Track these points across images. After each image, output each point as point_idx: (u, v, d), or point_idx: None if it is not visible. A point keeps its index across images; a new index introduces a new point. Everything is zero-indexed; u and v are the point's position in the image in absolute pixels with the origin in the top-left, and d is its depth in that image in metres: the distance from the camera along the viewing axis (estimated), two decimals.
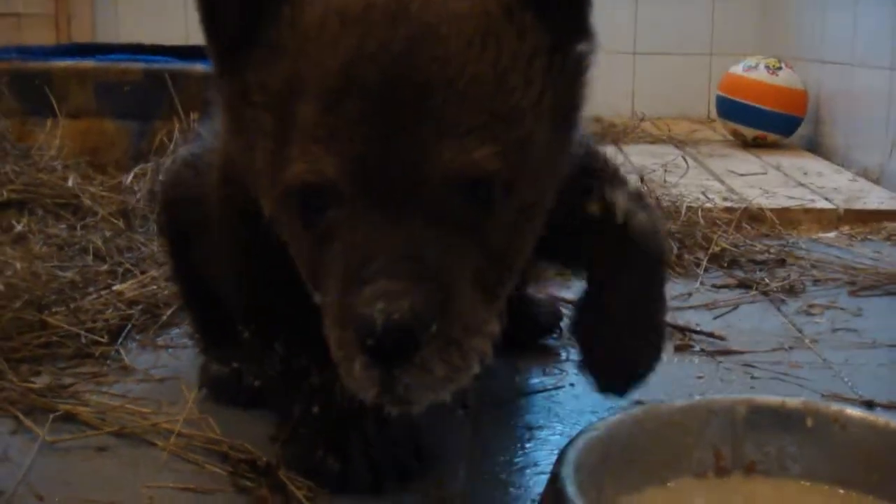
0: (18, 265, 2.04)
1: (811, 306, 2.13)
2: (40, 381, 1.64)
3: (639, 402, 1.47)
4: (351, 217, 1.01)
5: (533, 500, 1.28)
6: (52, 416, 1.50)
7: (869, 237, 2.77)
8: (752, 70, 4.28)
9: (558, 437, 1.47)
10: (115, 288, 2.05)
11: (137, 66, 3.18)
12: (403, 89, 0.99)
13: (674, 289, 2.25)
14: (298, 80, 1.03)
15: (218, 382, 1.60)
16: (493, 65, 1.03)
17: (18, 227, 2.40)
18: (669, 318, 2.00)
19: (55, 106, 3.10)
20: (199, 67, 3.13)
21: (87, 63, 3.22)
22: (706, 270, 2.38)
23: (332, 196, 1.02)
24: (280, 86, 1.05)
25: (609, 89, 5.33)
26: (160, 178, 1.73)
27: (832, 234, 2.80)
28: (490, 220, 1.04)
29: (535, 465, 1.39)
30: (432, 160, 0.98)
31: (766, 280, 2.29)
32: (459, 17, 1.03)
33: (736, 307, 2.13)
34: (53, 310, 1.90)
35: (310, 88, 1.02)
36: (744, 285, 2.28)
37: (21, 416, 1.51)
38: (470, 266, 1.02)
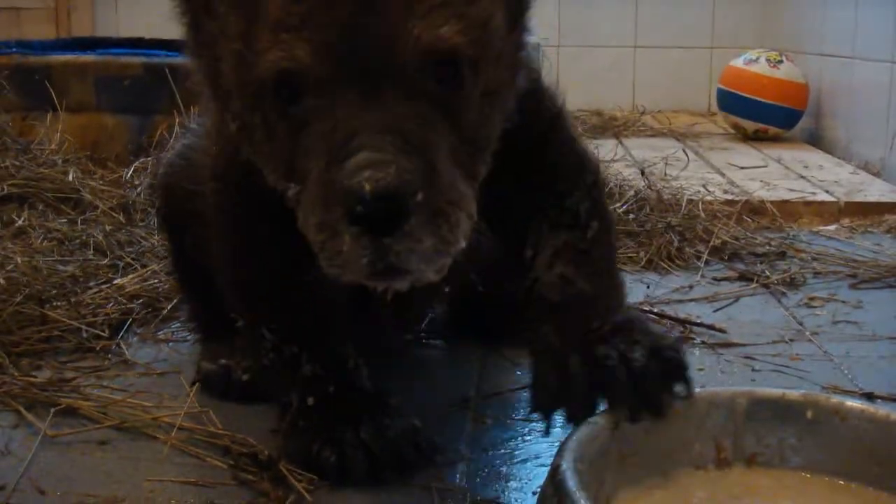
0: (19, 259, 2.04)
1: (812, 299, 2.13)
2: (41, 376, 1.64)
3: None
4: (328, 99, 1.01)
5: (534, 493, 1.28)
6: (53, 410, 1.51)
7: (869, 230, 2.77)
8: (752, 63, 4.28)
9: (558, 429, 1.47)
10: (115, 282, 2.05)
11: (137, 60, 3.18)
12: None
13: (674, 281, 2.25)
14: None
15: (208, 378, 1.61)
16: None
17: (19, 222, 2.41)
18: (670, 310, 2.02)
19: (55, 100, 3.10)
20: None
21: (88, 57, 3.22)
22: (707, 263, 2.38)
23: (306, 82, 1.02)
24: None
25: (610, 83, 5.35)
26: (159, 170, 1.73)
27: (833, 227, 2.80)
28: (460, 97, 1.06)
29: (536, 457, 1.39)
30: (402, 38, 1.00)
31: (767, 273, 2.29)
32: None
33: (737, 300, 2.13)
34: (54, 304, 1.90)
35: None
36: (744, 278, 2.28)
37: (22, 410, 1.51)
38: (446, 142, 1.04)
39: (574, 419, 1.17)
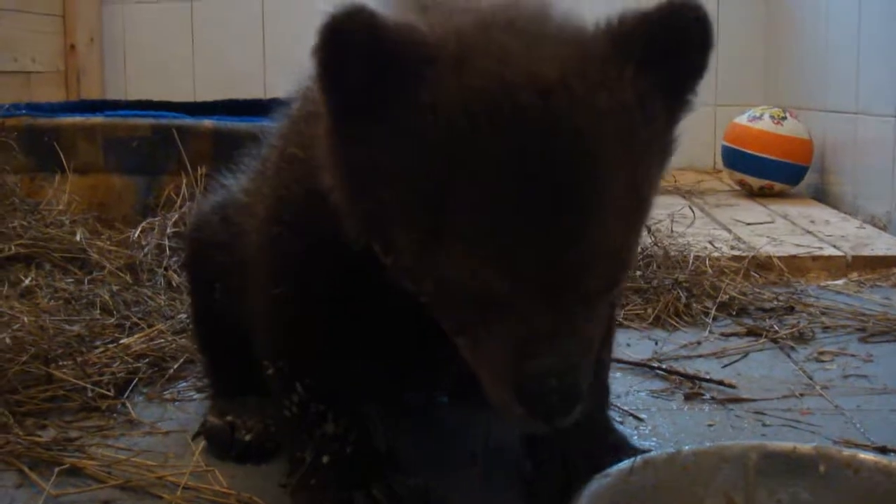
0: (26, 319, 2.04)
1: (821, 353, 2.11)
2: (46, 435, 1.63)
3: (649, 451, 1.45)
4: (509, 309, 1.05)
5: None
6: (57, 469, 1.50)
7: (877, 283, 2.76)
8: (756, 120, 4.30)
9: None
10: (122, 341, 2.05)
11: (145, 121, 3.20)
12: (564, 208, 1.01)
13: (683, 337, 2.24)
14: (450, 183, 1.01)
15: (211, 433, 1.61)
16: (632, 163, 1.06)
17: (26, 282, 2.41)
18: (679, 366, 2.01)
19: (64, 161, 3.12)
20: (206, 123, 3.15)
21: (96, 119, 3.24)
22: (715, 319, 2.37)
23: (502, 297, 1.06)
24: (429, 179, 1.03)
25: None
26: (187, 224, 1.74)
27: (841, 282, 2.79)
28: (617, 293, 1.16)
29: None
30: (587, 279, 1.05)
31: (776, 328, 2.28)
32: (602, 116, 1.03)
33: (745, 355, 2.12)
34: (60, 363, 1.89)
35: (466, 193, 1.01)
36: (753, 333, 2.26)
37: (26, 470, 1.50)
38: (599, 326, 1.13)
39: None
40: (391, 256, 1.12)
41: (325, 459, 1.33)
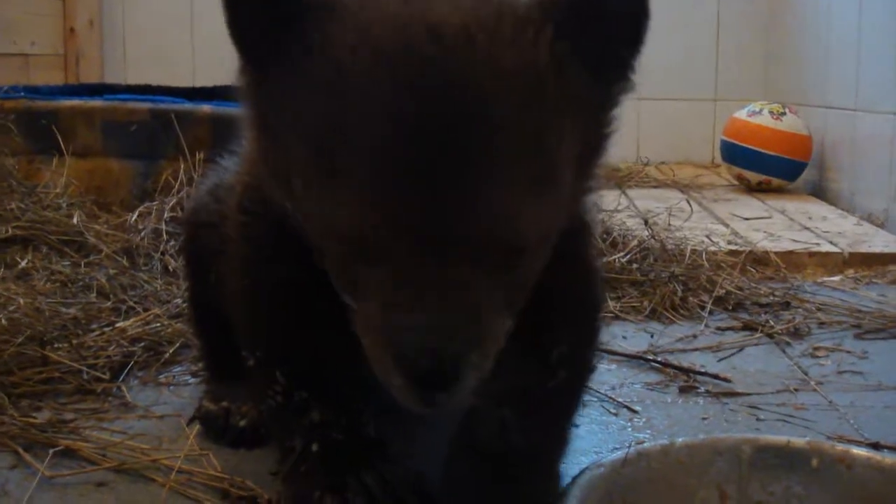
0: (22, 301, 2.04)
1: (816, 349, 2.12)
2: (41, 417, 1.63)
3: (643, 443, 1.45)
4: (387, 258, 1.01)
5: None
6: (51, 451, 1.50)
7: (874, 280, 2.76)
8: (756, 115, 4.30)
9: (562, 477, 1.46)
10: (117, 325, 2.05)
11: (144, 105, 3.20)
12: (450, 152, 0.97)
13: (678, 331, 2.24)
14: (336, 125, 1.01)
15: (206, 418, 1.61)
16: (536, 123, 1.01)
17: (22, 264, 2.40)
18: (674, 359, 2.01)
19: (62, 145, 3.11)
20: (205, 108, 3.14)
21: (94, 102, 3.24)
22: (711, 313, 2.37)
23: (379, 247, 1.02)
24: (317, 123, 1.03)
25: (613, 134, 5.37)
26: (185, 208, 1.73)
27: (837, 278, 2.80)
28: (521, 264, 1.06)
29: None
30: (475, 226, 0.99)
31: (771, 323, 2.28)
32: (507, 71, 0.99)
33: (741, 349, 2.12)
34: (56, 346, 1.89)
35: (352, 138, 1.00)
36: (749, 328, 2.27)
37: (20, 451, 1.50)
38: (500, 295, 1.05)
39: None
40: (294, 206, 1.11)
41: (314, 447, 1.32)
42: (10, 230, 2.58)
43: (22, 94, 3.31)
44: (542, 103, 1.01)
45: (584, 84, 1.05)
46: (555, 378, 1.29)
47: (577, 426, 1.63)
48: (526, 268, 1.07)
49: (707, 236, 3.05)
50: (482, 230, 0.99)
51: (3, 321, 1.92)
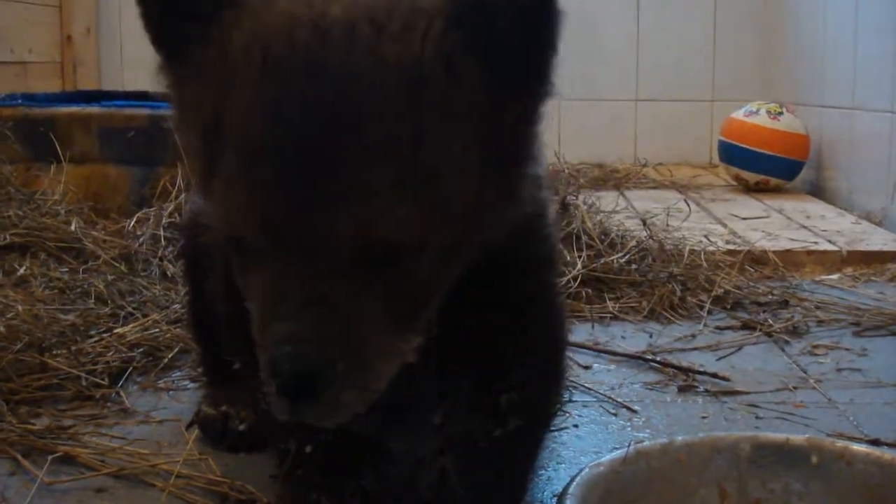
0: (20, 307, 2.04)
1: (815, 347, 2.12)
2: (40, 423, 1.63)
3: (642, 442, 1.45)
4: (264, 262, 1.00)
5: None
6: (50, 457, 1.50)
7: (872, 279, 2.76)
8: (753, 115, 4.30)
9: (562, 478, 1.46)
10: (116, 331, 2.05)
11: (142, 112, 3.20)
12: (318, 151, 0.95)
13: (677, 330, 2.24)
14: (221, 122, 1.00)
15: (205, 422, 1.61)
16: (414, 122, 0.96)
17: (21, 271, 2.40)
18: (673, 359, 2.01)
19: (59, 151, 3.11)
20: None
21: (92, 109, 3.24)
22: (709, 312, 2.37)
23: (250, 248, 1.01)
24: (206, 119, 1.02)
25: (611, 136, 5.38)
26: (183, 213, 1.73)
27: (835, 276, 2.80)
28: (398, 270, 1.00)
29: (540, 503, 1.38)
30: (340, 226, 0.96)
31: (770, 321, 2.28)
32: (387, 68, 0.96)
33: (740, 348, 2.12)
34: (54, 352, 1.89)
35: (231, 135, 0.99)
36: (747, 327, 2.27)
37: (19, 458, 1.50)
38: (379, 304, 1.00)
39: None
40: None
41: (307, 449, 1.32)
42: (8, 237, 2.57)
43: (19, 101, 3.31)
44: (423, 101, 0.96)
45: (484, 84, 0.99)
46: (503, 427, 1.20)
47: (577, 428, 1.64)
48: (410, 276, 1.01)
49: (705, 236, 3.05)
50: (346, 233, 0.96)
51: (2, 328, 1.92)
